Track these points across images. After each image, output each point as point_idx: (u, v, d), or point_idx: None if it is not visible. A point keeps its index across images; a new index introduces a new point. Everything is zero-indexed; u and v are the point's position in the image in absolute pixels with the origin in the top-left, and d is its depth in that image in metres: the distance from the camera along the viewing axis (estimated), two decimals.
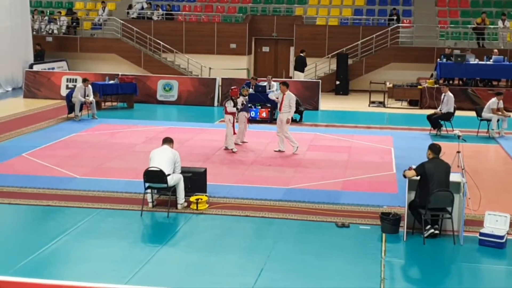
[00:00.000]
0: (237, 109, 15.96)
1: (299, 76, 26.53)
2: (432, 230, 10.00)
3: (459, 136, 12.92)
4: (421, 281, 8.80)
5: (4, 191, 12.23)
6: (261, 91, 20.97)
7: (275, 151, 15.87)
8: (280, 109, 15.91)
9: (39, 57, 28.66)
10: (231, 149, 15.75)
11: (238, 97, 16.05)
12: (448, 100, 18.42)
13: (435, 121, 18.51)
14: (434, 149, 10.25)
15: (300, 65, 26.92)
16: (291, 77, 28.71)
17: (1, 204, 11.52)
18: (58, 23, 30.57)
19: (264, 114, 20.08)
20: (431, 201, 9.75)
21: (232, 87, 16.85)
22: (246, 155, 15.53)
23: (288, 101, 15.72)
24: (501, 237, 9.69)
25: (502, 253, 9.60)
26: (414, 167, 10.15)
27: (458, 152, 12.59)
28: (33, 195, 12.06)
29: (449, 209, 9.92)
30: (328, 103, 24.07)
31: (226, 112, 15.89)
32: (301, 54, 27.08)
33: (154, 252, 9.45)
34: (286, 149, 15.92)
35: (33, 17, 30.13)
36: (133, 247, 9.69)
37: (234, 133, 15.99)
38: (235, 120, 15.99)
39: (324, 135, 18.39)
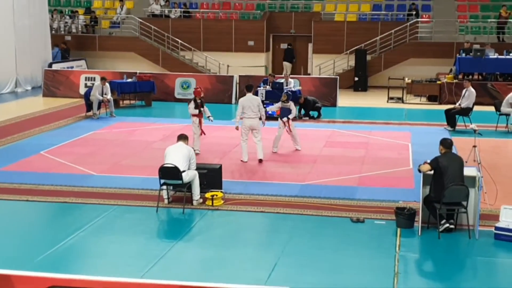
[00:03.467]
0: (199, 111, 14.92)
1: (287, 67, 29.14)
2: (447, 225, 9.94)
3: (475, 131, 12.87)
4: (436, 275, 8.76)
5: (23, 188, 12.39)
6: (279, 88, 20.95)
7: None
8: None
9: (66, 53, 29.01)
10: (195, 150, 14.46)
11: (202, 97, 15.08)
12: (469, 95, 18.26)
13: (452, 117, 18.38)
14: (445, 143, 10.22)
15: (289, 57, 29.59)
16: (309, 74, 28.75)
17: (19, 201, 11.67)
18: (77, 22, 30.81)
19: None
20: (446, 195, 9.71)
21: (196, 87, 15.89)
22: (263, 152, 15.50)
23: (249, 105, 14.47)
24: None
25: None
26: (429, 161, 10.10)
27: (474, 146, 12.54)
28: (50, 192, 12.20)
29: (464, 203, 9.86)
30: (346, 99, 24.02)
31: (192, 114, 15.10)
32: (289, 47, 29.76)
33: (170, 247, 9.52)
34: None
35: (52, 16, 30.40)
36: (149, 243, 9.76)
37: (203, 134, 15.20)
38: (201, 121, 15.03)
39: (341, 131, 18.34)
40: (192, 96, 16.00)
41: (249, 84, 15.52)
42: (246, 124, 14.43)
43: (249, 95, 14.61)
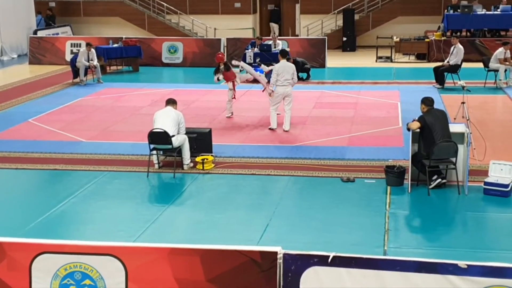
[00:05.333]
0: (218, 78, 14.93)
1: (274, 28, 29.63)
2: (439, 180, 9.98)
3: (463, 87, 12.87)
4: (426, 231, 8.83)
5: (12, 157, 12.34)
6: (266, 50, 20.86)
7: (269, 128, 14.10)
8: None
9: (51, 21, 28.65)
10: (229, 114, 15.20)
11: (225, 62, 14.82)
12: (457, 52, 18.21)
13: (441, 74, 18.37)
14: (427, 101, 10.28)
15: (276, 18, 30.12)
16: (297, 35, 28.55)
17: (9, 169, 11.64)
18: None
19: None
20: (435, 152, 9.74)
21: (218, 53, 15.75)
22: (252, 115, 15.46)
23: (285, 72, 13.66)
24: (506, 186, 9.67)
25: (507, 202, 9.59)
26: (416, 119, 10.12)
27: (463, 103, 12.56)
28: (40, 159, 12.15)
29: (453, 159, 9.90)
30: (335, 60, 23.89)
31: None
32: (276, 8, 30.38)
33: (161, 211, 9.53)
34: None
35: None
36: (140, 207, 9.77)
37: (234, 98, 15.16)
38: (234, 85, 14.92)
39: (330, 92, 18.30)
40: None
41: (283, 50, 14.75)
42: (279, 92, 13.64)
43: (284, 62, 13.73)
